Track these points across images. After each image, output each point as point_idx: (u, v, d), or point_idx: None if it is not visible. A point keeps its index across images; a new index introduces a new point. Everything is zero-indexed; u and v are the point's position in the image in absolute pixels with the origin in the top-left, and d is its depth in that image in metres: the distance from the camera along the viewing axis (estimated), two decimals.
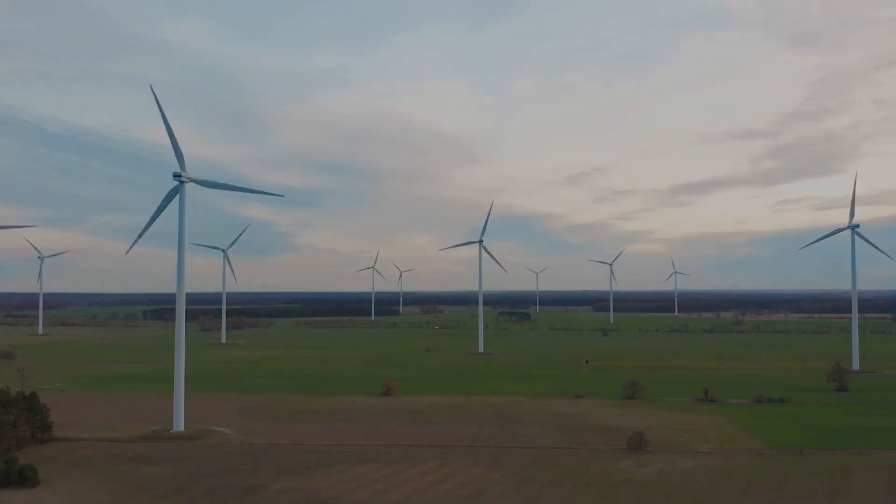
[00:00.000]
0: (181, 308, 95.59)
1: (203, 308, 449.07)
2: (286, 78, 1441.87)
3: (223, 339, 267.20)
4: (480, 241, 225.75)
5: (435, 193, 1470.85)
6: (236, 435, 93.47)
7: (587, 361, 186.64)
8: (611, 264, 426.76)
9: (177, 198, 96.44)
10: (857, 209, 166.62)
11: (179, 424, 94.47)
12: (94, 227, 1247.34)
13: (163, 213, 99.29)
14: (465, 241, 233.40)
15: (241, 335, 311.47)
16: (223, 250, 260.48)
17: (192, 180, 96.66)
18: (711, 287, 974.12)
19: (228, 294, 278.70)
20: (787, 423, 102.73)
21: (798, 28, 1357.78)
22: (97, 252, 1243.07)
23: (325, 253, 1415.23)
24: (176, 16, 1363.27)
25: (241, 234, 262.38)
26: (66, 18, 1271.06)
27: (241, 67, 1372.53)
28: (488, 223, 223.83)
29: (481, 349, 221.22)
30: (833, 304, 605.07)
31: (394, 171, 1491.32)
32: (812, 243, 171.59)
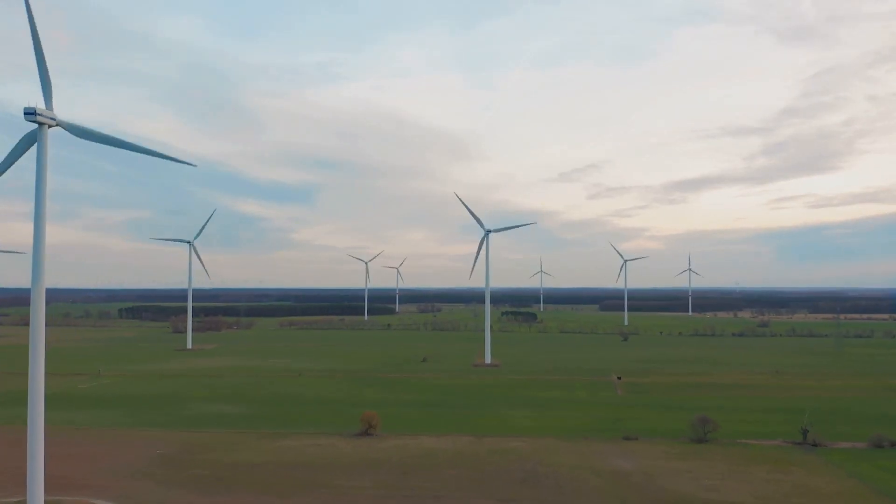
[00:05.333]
0: (38, 314, 61.23)
1: (182, 305, 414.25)
2: (279, 73, 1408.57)
3: (189, 344, 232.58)
4: (487, 233, 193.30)
5: (430, 189, 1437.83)
6: None
7: (619, 378, 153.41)
8: (625, 261, 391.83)
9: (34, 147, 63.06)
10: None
11: (36, 502, 60.79)
12: (91, 222, 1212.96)
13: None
14: (478, 246, 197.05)
15: (215, 338, 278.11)
16: (189, 242, 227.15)
17: (58, 123, 63.47)
18: (709, 284, 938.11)
19: (216, 291, 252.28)
20: None
21: (790, 23, 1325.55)
22: (94, 247, 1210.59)
23: (321, 249, 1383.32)
24: (168, 11, 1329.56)
25: (206, 223, 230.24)
26: (55, 13, 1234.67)
27: (233, 63, 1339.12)
28: (474, 213, 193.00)
29: (488, 360, 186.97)
30: (854, 303, 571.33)
31: (389, 168, 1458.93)
32: None
